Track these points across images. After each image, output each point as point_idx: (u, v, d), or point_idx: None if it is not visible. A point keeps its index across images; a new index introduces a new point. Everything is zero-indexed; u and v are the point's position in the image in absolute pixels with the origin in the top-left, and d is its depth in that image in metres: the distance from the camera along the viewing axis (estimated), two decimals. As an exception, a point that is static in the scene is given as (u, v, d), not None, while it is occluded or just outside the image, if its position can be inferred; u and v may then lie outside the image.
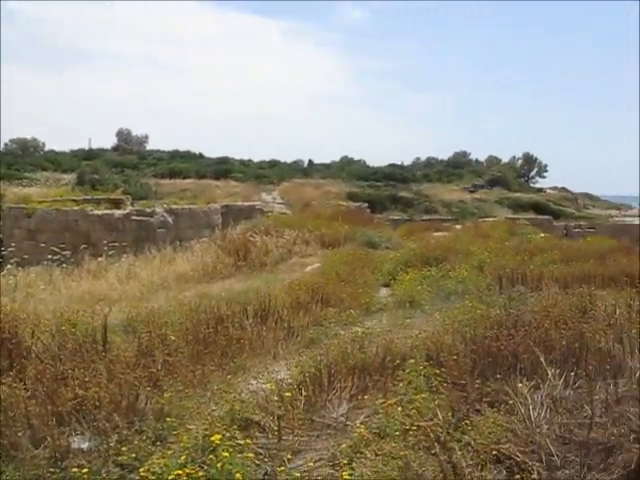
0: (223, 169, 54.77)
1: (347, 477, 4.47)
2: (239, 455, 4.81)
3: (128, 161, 55.24)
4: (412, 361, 6.52)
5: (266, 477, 4.95)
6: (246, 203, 35.70)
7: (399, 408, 5.58)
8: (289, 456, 5.33)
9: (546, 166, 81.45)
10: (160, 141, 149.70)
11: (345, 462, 4.87)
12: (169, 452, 5.02)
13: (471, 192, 57.33)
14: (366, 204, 41.96)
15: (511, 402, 5.76)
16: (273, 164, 64.88)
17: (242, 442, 5.02)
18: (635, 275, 12.37)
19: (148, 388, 6.59)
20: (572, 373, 6.29)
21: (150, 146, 69.86)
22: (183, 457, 4.83)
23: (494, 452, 4.97)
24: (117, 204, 24.55)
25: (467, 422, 5.39)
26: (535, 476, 4.74)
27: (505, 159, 78.80)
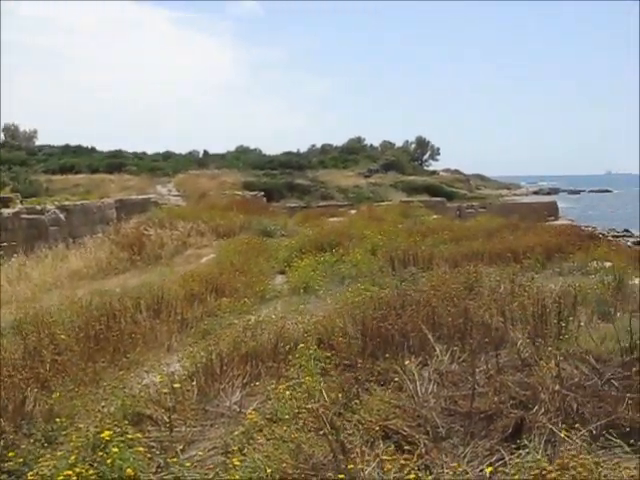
0: (116, 163, 53.36)
1: (237, 463, 4.48)
2: (130, 450, 4.75)
3: (16, 157, 53.06)
4: (302, 345, 6.58)
5: (158, 470, 4.92)
6: (141, 196, 35.10)
7: (291, 392, 5.63)
8: (182, 447, 5.31)
9: (439, 149, 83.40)
10: (50, 136, 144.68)
11: (237, 449, 4.88)
12: (59, 453, 4.91)
13: (366, 177, 58.02)
14: (262, 193, 41.89)
15: (399, 379, 5.92)
16: (168, 156, 63.77)
17: (133, 437, 4.96)
18: (519, 251, 12.88)
19: (36, 389, 6.42)
20: (458, 348, 6.52)
21: (40, 141, 67.48)
22: (73, 457, 4.73)
23: (383, 429, 5.10)
24: (5, 203, 23.69)
25: (357, 402, 5.50)
26: (422, 448, 4.89)
27: (399, 143, 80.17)
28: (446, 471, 4.32)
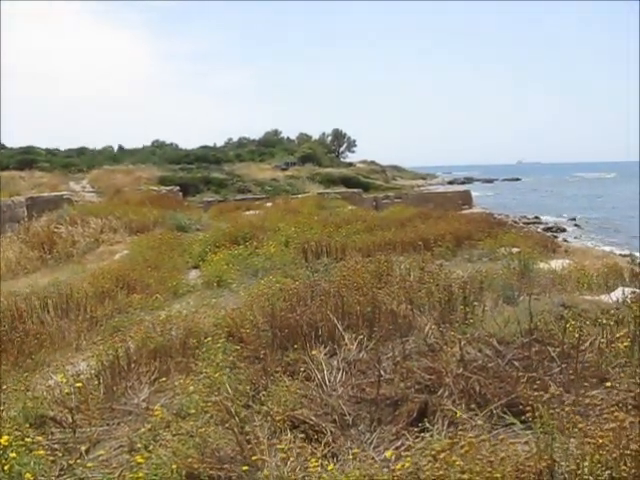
0: (28, 159, 51.65)
1: (141, 460, 4.41)
2: (30, 454, 4.61)
3: None
4: (209, 339, 6.54)
5: (61, 472, 4.79)
6: (53, 193, 34.10)
7: (196, 386, 5.59)
8: (87, 448, 5.19)
9: (355, 141, 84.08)
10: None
11: (142, 446, 4.81)
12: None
13: (283, 170, 58.01)
14: (178, 187, 41.33)
15: (308, 369, 5.95)
16: (82, 152, 62.23)
17: (34, 440, 4.82)
18: (430, 239, 13.11)
19: None
20: (366, 336, 6.58)
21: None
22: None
23: (290, 419, 5.11)
24: None
25: (264, 393, 5.49)
26: (329, 436, 4.92)
27: (315, 136, 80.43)
28: (352, 458, 4.34)
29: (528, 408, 4.54)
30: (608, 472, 3.13)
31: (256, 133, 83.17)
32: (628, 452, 3.18)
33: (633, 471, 3.18)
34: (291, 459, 4.38)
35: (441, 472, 3.12)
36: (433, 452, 3.42)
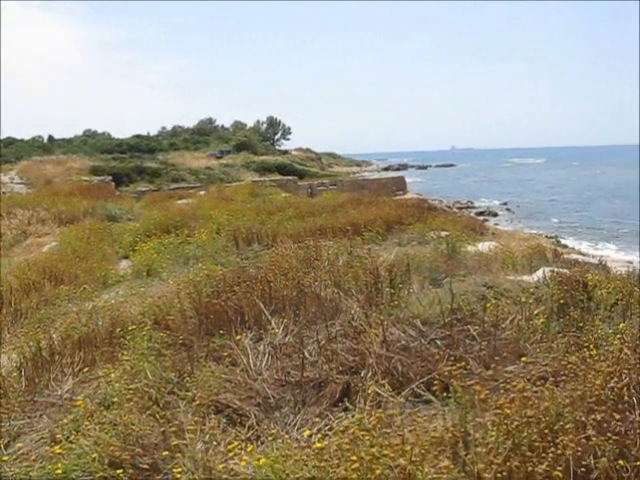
0: (-48, 151, 50.18)
1: (60, 451, 4.36)
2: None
3: None
4: (133, 327, 6.49)
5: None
6: (-21, 186, 33.13)
7: (120, 375, 5.54)
8: (7, 442, 5.10)
9: (290, 129, 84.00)
10: None
11: (63, 438, 4.75)
12: None
13: (218, 158, 57.72)
14: (110, 177, 40.62)
15: (234, 355, 5.96)
16: (9, 142, 60.60)
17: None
18: (361, 224, 13.22)
19: None
20: (292, 320, 6.62)
21: None
22: None
23: (215, 404, 5.11)
24: None
25: (189, 379, 5.48)
26: (252, 419, 4.95)
27: (250, 124, 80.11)
28: (271, 439, 4.37)
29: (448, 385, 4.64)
30: (511, 440, 3.24)
31: (191, 121, 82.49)
32: (526, 420, 3.29)
33: (534, 437, 3.30)
34: (214, 443, 4.39)
35: (349, 447, 3.17)
36: (342, 428, 3.47)
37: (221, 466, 3.94)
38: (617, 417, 3.61)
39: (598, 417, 3.59)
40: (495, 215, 46.27)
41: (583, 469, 3.22)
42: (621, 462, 3.26)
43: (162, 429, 4.62)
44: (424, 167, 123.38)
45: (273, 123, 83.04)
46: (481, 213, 45.23)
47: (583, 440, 3.32)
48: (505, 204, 54.17)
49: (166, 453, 4.12)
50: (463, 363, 5.08)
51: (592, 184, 76.88)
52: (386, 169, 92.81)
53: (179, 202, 24.62)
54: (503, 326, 6.24)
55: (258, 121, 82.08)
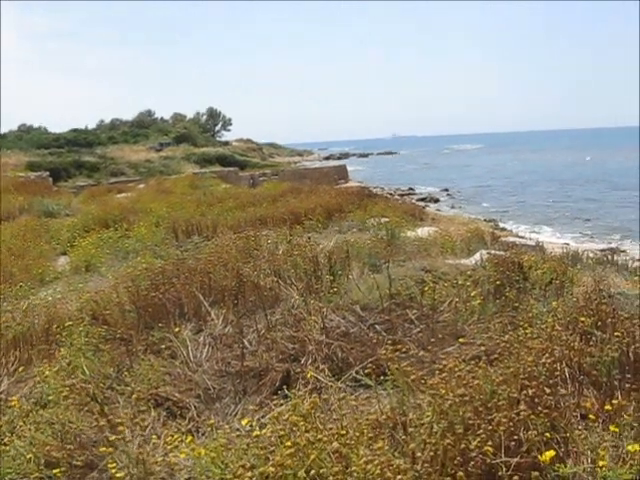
0: None
1: (-10, 453, 4.26)
2: None
3: None
4: (69, 323, 6.38)
5: None
6: None
7: (58, 372, 5.45)
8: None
9: (230, 120, 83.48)
10: None
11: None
12: None
13: (158, 151, 57.08)
14: (47, 173, 39.75)
15: (173, 347, 5.91)
16: (-64, 139, 58.77)
17: None
18: (301, 213, 13.25)
19: None
20: (232, 310, 6.60)
21: None
22: None
23: (154, 397, 5.07)
24: None
25: (127, 374, 5.42)
26: (193, 411, 4.93)
27: (190, 115, 79.35)
28: (209, 429, 4.36)
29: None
30: (445, 419, 3.29)
31: (130, 114, 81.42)
32: (460, 398, 3.35)
33: (468, 415, 3.36)
34: (153, 436, 4.36)
35: (284, 432, 3.19)
36: (276, 414, 3.49)
37: (160, 459, 3.90)
38: (548, 392, 3.69)
39: (530, 393, 3.67)
40: (436, 201, 46.76)
41: (514, 443, 3.29)
42: (548, 434, 3.35)
43: (98, 425, 4.56)
44: (366, 155, 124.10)
45: (213, 114, 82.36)
46: (422, 199, 45.68)
47: (515, 415, 3.39)
48: (446, 190, 54.81)
49: (103, 449, 4.06)
50: (402, 346, 5.14)
51: (527, 168, 78.46)
52: (327, 158, 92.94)
53: (118, 196, 24.30)
54: (441, 309, 6.33)
55: (198, 112, 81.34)
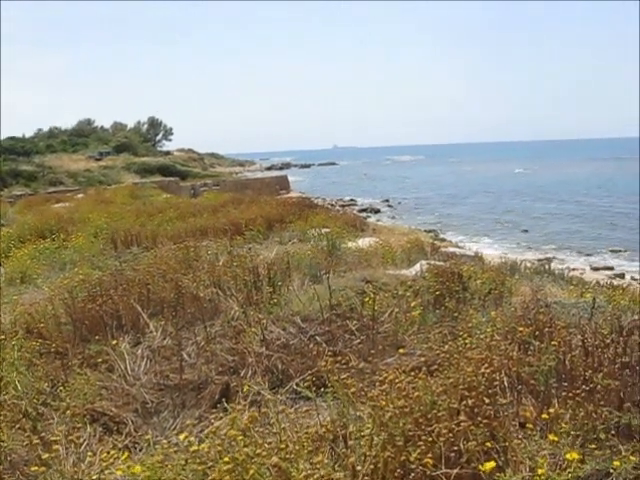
0: None
1: None
2: None
3: None
4: (2, 337, 6.18)
5: None
6: None
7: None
8: None
9: (171, 129, 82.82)
10: None
11: None
12: None
13: (97, 160, 56.35)
14: (-18, 183, 38.81)
15: (111, 360, 5.78)
16: None
17: None
18: (242, 224, 13.16)
19: None
20: (171, 322, 6.50)
21: None
22: None
23: (90, 412, 4.94)
24: None
25: (62, 389, 5.27)
26: (130, 426, 4.82)
27: (131, 124, 78.42)
28: (146, 445, 4.26)
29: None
30: (385, 431, 3.28)
31: (68, 122, 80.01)
32: (400, 410, 3.35)
33: (409, 426, 3.35)
34: (89, 453, 4.23)
35: (221, 448, 3.13)
36: (214, 429, 3.43)
37: (95, 477, 3.79)
38: (487, 401, 3.71)
39: (470, 403, 3.68)
40: (377, 211, 47.17)
41: (454, 454, 3.29)
42: (488, 444, 3.36)
43: (31, 443, 4.42)
44: (307, 166, 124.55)
45: (154, 124, 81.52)
46: (363, 210, 46.04)
47: (455, 426, 3.39)
48: (387, 201, 55.32)
49: (35, 469, 3.93)
50: (342, 358, 5.12)
51: (464, 180, 79.92)
52: (269, 168, 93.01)
53: (56, 206, 23.78)
54: (382, 319, 6.34)
55: (139, 122, 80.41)
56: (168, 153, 70.52)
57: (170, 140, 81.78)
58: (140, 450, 4.50)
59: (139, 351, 6.02)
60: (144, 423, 4.92)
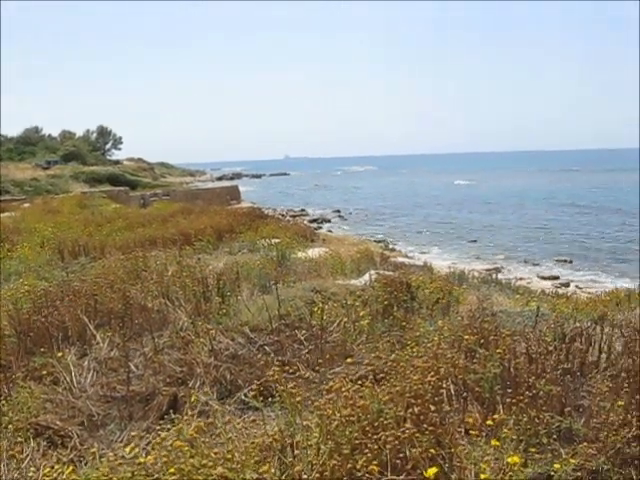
0: None
1: None
2: None
3: None
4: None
5: None
6: None
7: None
8: None
9: (121, 138, 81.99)
10: None
11: None
12: None
13: (45, 169, 55.44)
14: None
15: (56, 373, 5.69)
16: None
17: None
18: (191, 234, 13.09)
19: None
20: (119, 334, 6.42)
21: None
22: None
23: (34, 426, 4.85)
24: None
25: (5, 402, 5.16)
26: (76, 440, 4.74)
27: (79, 133, 77.39)
28: (91, 458, 4.20)
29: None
30: (332, 440, 3.30)
31: (14, 130, 78.63)
32: (346, 418, 3.37)
33: (355, 434, 3.38)
34: (32, 469, 4.16)
35: (167, 459, 3.11)
36: (159, 440, 3.41)
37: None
38: (433, 409, 3.76)
39: (416, 410, 3.73)
40: (328, 222, 47.34)
41: (400, 461, 3.33)
42: (433, 450, 3.41)
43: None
44: (258, 176, 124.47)
45: (104, 132, 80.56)
46: (314, 220, 46.16)
47: (401, 434, 3.43)
48: (337, 211, 55.55)
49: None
50: (290, 367, 5.13)
51: (416, 191, 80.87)
52: (220, 178, 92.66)
53: (1, 215, 23.30)
54: (330, 329, 6.37)
55: (88, 130, 79.37)
56: (117, 162, 69.77)
57: (120, 149, 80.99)
58: (85, 464, 4.43)
59: (85, 363, 5.93)
60: (90, 436, 4.85)
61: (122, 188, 46.87)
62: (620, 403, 4.14)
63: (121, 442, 4.76)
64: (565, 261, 31.72)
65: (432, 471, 3.09)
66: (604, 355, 5.58)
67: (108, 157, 75.36)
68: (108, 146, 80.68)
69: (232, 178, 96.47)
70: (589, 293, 18.45)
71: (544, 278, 27.21)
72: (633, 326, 6.26)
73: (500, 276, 18.91)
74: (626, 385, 4.46)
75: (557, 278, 27.51)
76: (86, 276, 8.88)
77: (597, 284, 25.32)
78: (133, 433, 4.66)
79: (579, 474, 3.50)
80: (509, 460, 3.32)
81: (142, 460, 3.60)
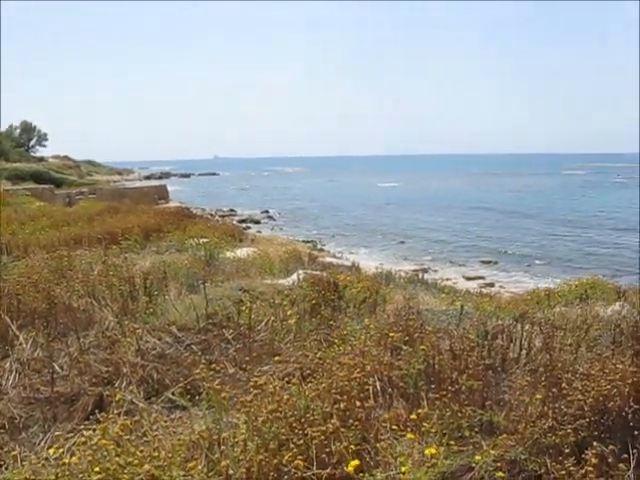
0: None
1: None
2: None
3: None
4: None
5: None
6: None
7: None
8: None
9: (46, 135, 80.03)
10: None
11: None
12: None
13: (-33, 166, 53.68)
14: None
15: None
16: None
17: None
18: (118, 233, 12.91)
19: None
20: (43, 334, 6.30)
21: None
22: None
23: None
24: None
25: None
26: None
27: (2, 128, 75.18)
28: (12, 461, 4.13)
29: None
30: (259, 436, 3.34)
31: None
32: (272, 415, 3.42)
33: (282, 430, 3.43)
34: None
35: (92, 458, 3.10)
36: (84, 439, 3.38)
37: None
38: (359, 405, 3.84)
39: (342, 406, 3.79)
40: (257, 222, 47.28)
41: (326, 455, 3.39)
42: (358, 445, 3.48)
43: None
44: (187, 175, 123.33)
45: (28, 129, 78.47)
46: (243, 220, 46.04)
47: (327, 429, 3.49)
48: (266, 212, 55.51)
49: None
50: (217, 366, 5.14)
51: (346, 192, 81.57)
52: (148, 177, 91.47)
53: None
54: (258, 328, 6.39)
55: (11, 126, 77.13)
56: (42, 159, 68.11)
57: (45, 146, 79.04)
58: (6, 468, 4.34)
59: (7, 364, 5.80)
60: (11, 439, 4.75)
61: (47, 186, 45.74)
62: (538, 396, 4.30)
63: (44, 444, 4.69)
64: (490, 262, 32.47)
65: (353, 464, 3.16)
66: (524, 351, 5.77)
67: (32, 154, 73.48)
68: (32, 142, 78.67)
69: (160, 177, 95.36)
70: (512, 293, 18.98)
71: (470, 278, 27.80)
72: (551, 323, 6.50)
73: (427, 276, 19.27)
74: (543, 379, 4.64)
75: (483, 278, 28.15)
76: (8, 275, 8.67)
77: (520, 284, 26.03)
78: (57, 434, 4.60)
79: (499, 464, 3.62)
80: (426, 452, 3.41)
81: (66, 461, 3.56)
